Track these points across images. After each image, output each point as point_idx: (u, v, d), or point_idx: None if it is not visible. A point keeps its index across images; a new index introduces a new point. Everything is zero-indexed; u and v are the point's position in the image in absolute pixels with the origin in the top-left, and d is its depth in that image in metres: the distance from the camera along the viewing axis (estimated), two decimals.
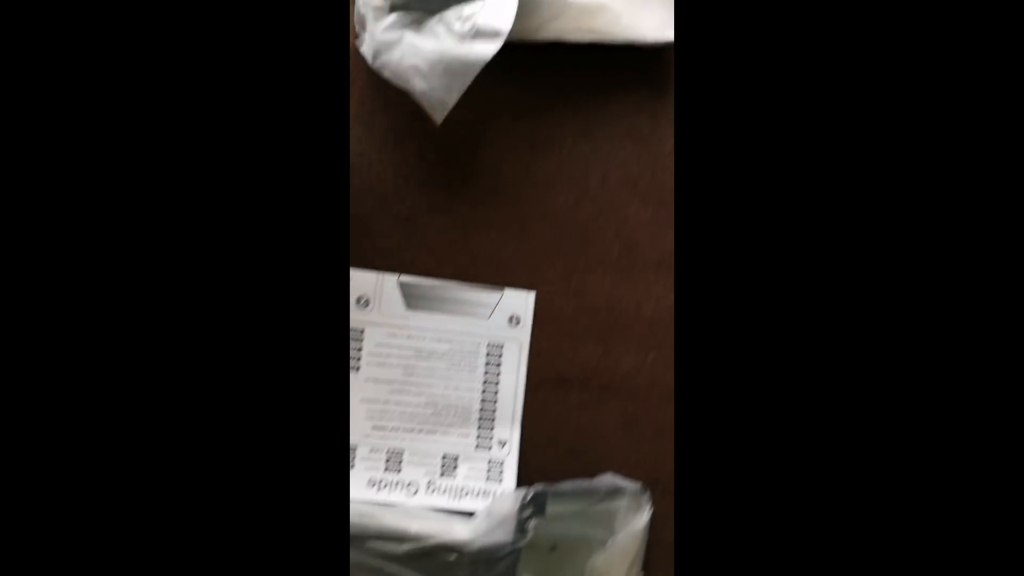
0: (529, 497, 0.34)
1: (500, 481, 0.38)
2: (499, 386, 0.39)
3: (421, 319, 0.38)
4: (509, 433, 0.39)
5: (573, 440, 0.40)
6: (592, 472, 0.38)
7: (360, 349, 0.38)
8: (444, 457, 0.38)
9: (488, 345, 0.39)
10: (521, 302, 0.39)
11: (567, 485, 0.36)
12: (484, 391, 0.39)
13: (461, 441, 0.38)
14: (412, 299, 0.38)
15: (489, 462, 0.38)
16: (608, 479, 0.38)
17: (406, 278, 0.38)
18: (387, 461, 0.38)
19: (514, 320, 0.39)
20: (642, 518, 0.39)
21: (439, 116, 0.34)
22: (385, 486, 0.37)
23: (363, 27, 0.35)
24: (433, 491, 0.38)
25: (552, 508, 0.34)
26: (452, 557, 0.34)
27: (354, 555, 0.34)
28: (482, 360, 0.39)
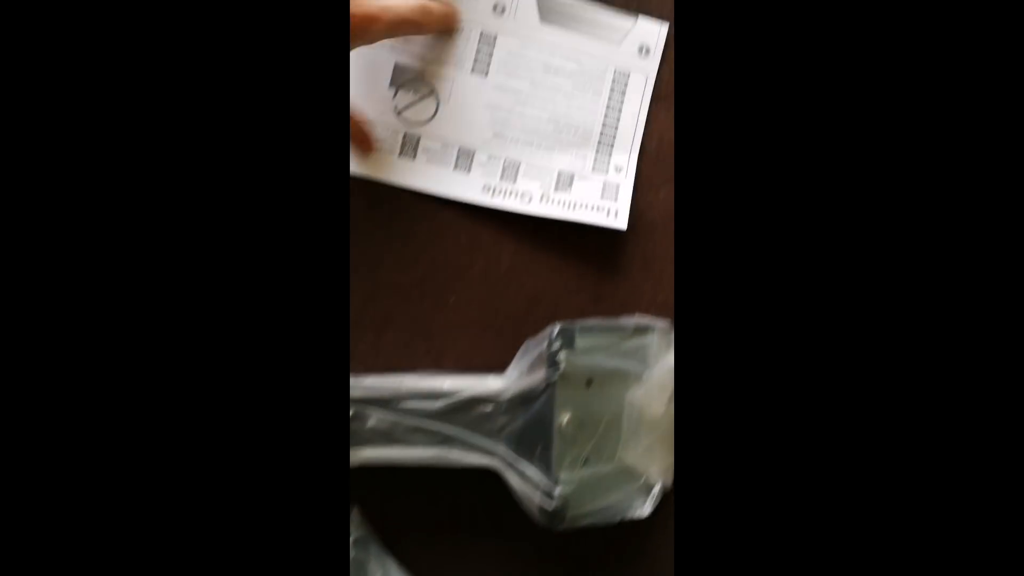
0: (556, 332, 0.33)
1: (615, 199, 0.38)
2: (621, 113, 0.39)
3: (553, 34, 0.38)
4: (626, 161, 0.39)
5: None
6: None
7: (491, 55, 0.38)
8: (560, 173, 0.38)
9: (615, 72, 0.39)
10: (654, 33, 0.39)
11: (593, 321, 0.35)
12: (606, 116, 0.39)
13: (578, 161, 0.38)
14: (547, 12, 0.38)
15: (604, 184, 0.38)
16: (635, 318, 0.38)
17: None
18: (503, 170, 0.38)
19: (644, 50, 0.39)
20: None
21: None
22: (499, 193, 0.38)
23: None
24: (547, 202, 0.38)
25: (581, 342, 0.34)
26: (488, 408, 0.34)
27: (391, 416, 0.33)
28: (607, 85, 0.39)
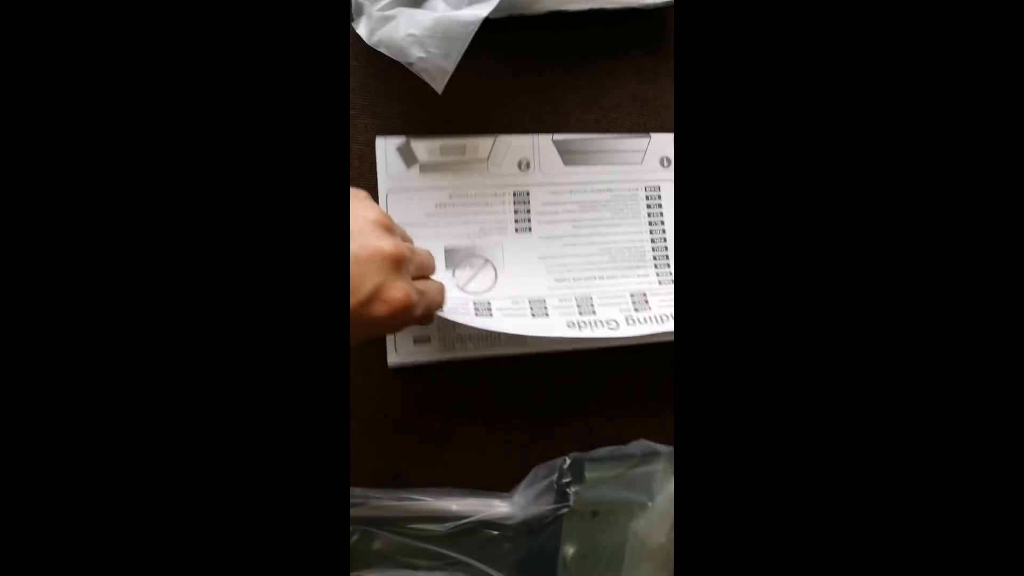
0: (567, 465, 0.34)
1: None
2: (664, 226, 0.40)
3: (579, 173, 0.39)
4: None
5: None
6: None
7: (529, 211, 0.39)
8: (633, 295, 0.39)
9: (646, 188, 0.40)
10: (670, 144, 0.40)
11: (603, 451, 0.36)
12: (652, 232, 0.40)
13: (643, 280, 0.39)
14: (568, 155, 0.39)
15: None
16: (642, 443, 0.38)
17: (559, 136, 0.39)
18: (579, 306, 0.38)
19: (665, 161, 0.40)
20: None
21: (440, 85, 0.33)
22: (585, 326, 0.37)
23: (359, 13, 0.35)
24: (633, 323, 0.37)
25: (590, 474, 0.34)
26: (494, 533, 0.34)
27: (397, 538, 0.33)
28: (643, 204, 0.40)
